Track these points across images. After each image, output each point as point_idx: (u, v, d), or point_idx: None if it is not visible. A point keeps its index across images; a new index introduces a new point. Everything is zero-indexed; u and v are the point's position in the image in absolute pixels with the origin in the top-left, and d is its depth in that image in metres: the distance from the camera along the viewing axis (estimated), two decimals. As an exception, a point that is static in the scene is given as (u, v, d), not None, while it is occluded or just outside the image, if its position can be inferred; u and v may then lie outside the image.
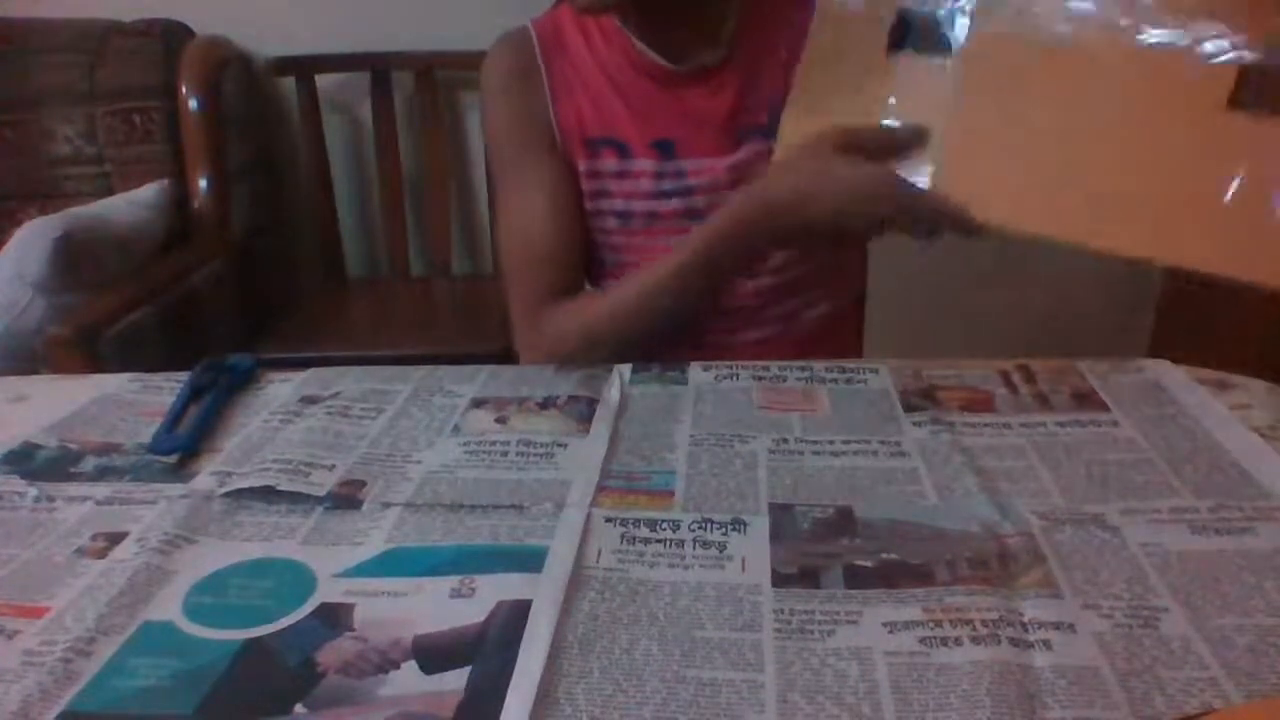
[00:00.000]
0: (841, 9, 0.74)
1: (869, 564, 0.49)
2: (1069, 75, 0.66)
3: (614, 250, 0.89)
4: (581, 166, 0.86)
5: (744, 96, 0.83)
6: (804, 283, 0.88)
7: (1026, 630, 0.44)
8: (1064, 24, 0.66)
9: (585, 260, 0.90)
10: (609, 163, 0.86)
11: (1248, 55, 0.60)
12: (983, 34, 0.68)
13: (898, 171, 0.68)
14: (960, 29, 0.69)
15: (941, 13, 0.70)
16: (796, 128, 0.73)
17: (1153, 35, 0.63)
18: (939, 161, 0.68)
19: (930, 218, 0.67)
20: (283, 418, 0.68)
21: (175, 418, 0.66)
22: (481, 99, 0.91)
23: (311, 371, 0.75)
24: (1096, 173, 0.64)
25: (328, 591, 0.49)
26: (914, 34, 0.70)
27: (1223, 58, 0.61)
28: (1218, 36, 0.61)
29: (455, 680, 0.42)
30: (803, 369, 0.73)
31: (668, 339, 0.81)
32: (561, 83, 0.86)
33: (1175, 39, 0.63)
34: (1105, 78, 0.65)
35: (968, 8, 0.69)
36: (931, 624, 0.45)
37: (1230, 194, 0.60)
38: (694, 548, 0.51)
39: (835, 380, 0.71)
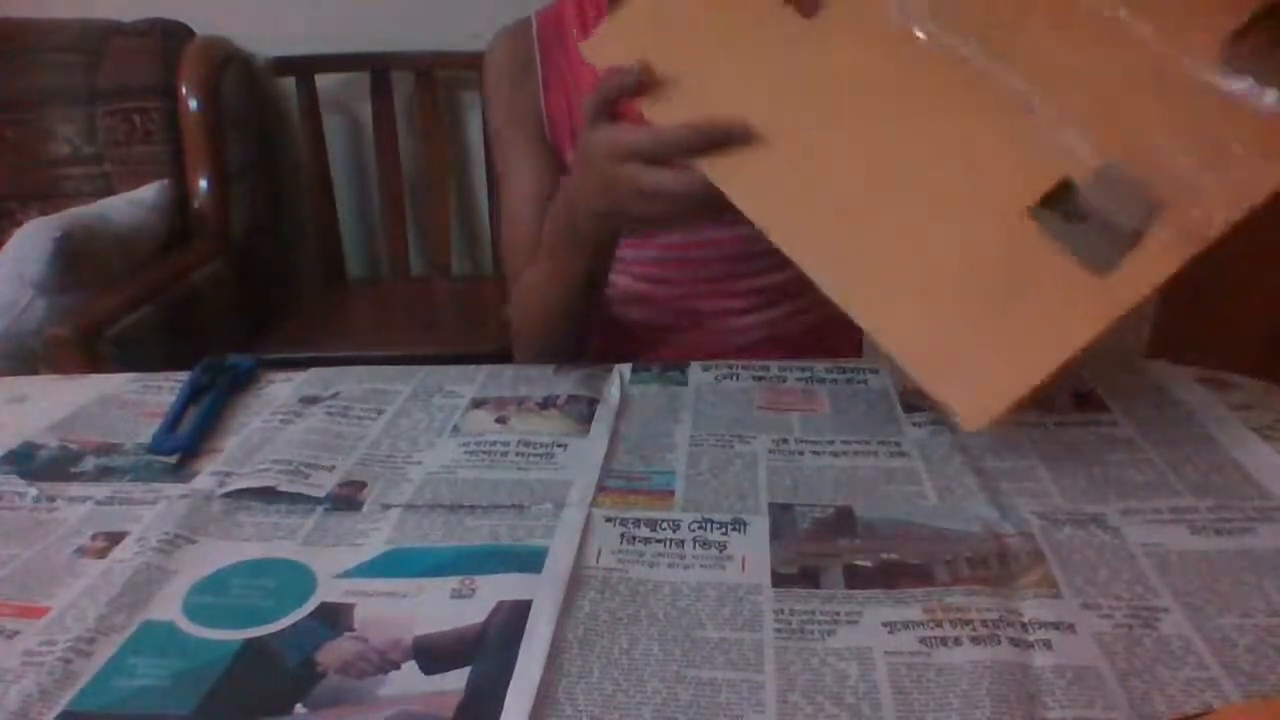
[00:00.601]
0: None
1: (869, 564, 0.49)
2: (903, 90, 0.58)
3: None
4: (570, 158, 0.85)
5: None
6: (795, 287, 0.88)
7: (1026, 630, 0.44)
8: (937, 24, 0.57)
9: None
10: None
11: (1088, 165, 0.52)
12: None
13: (645, 113, 0.61)
14: None
15: None
16: (625, 26, 0.65)
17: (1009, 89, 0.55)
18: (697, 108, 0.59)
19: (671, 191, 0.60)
20: (283, 418, 0.68)
21: (175, 418, 0.66)
22: (482, 87, 0.91)
23: (311, 372, 0.75)
24: (874, 217, 0.57)
25: (328, 591, 0.49)
26: None
27: (1061, 157, 0.53)
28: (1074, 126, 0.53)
29: (455, 680, 0.42)
30: (803, 369, 0.73)
31: (586, 317, 0.80)
32: (555, 73, 0.86)
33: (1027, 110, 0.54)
34: (942, 112, 0.57)
35: None
36: (931, 624, 0.45)
37: (979, 302, 0.53)
38: (694, 548, 0.51)
39: (835, 380, 0.71)
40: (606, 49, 0.65)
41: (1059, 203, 0.53)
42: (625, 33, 0.64)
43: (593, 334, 0.84)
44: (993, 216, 0.54)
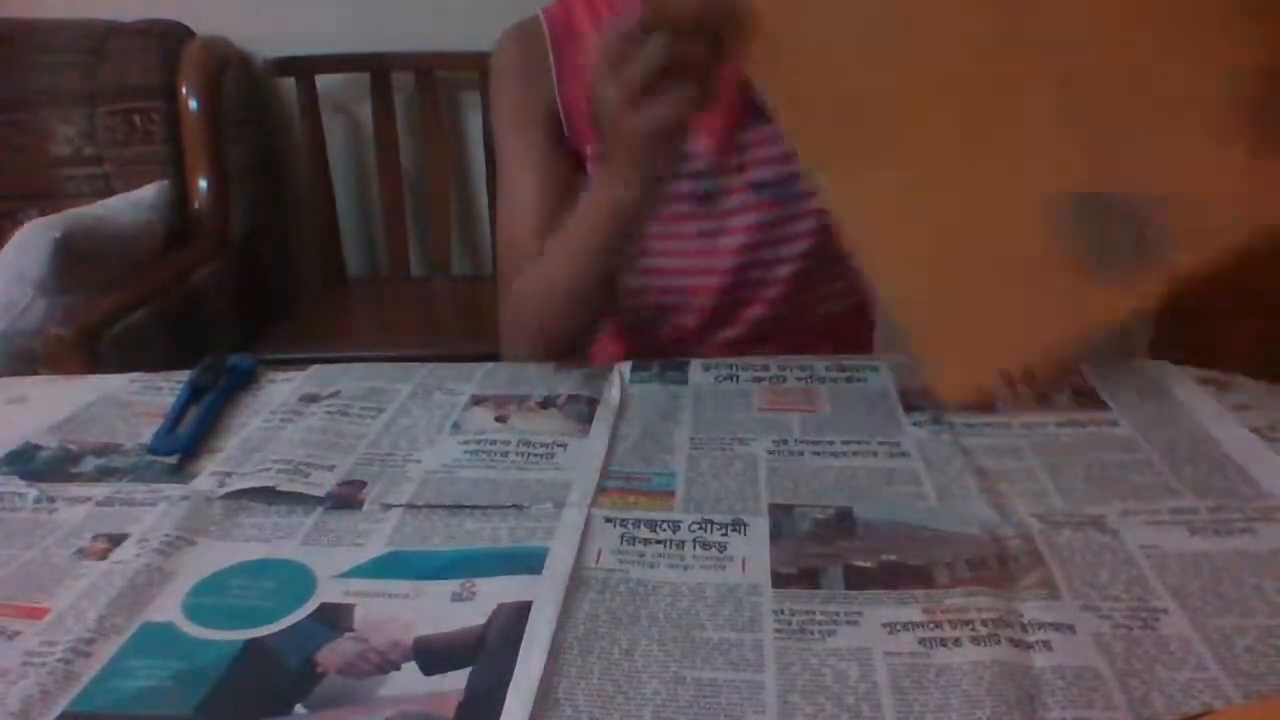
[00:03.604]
0: None
1: (869, 565, 0.49)
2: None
3: None
4: (591, 150, 0.85)
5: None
6: (788, 324, 0.88)
7: (1026, 631, 0.44)
8: None
9: None
10: None
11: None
12: None
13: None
14: None
15: None
16: None
17: None
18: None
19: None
20: (283, 418, 0.68)
21: (175, 418, 0.66)
22: (489, 84, 0.91)
23: (312, 371, 0.75)
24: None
25: (328, 592, 0.49)
26: None
27: None
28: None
29: (455, 681, 0.42)
30: (803, 368, 0.73)
31: (601, 302, 0.79)
32: (571, 67, 0.85)
33: None
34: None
35: None
36: (931, 625, 0.45)
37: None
38: (694, 548, 0.51)
39: (835, 379, 0.71)
40: None
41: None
42: None
43: (591, 340, 0.84)
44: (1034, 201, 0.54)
